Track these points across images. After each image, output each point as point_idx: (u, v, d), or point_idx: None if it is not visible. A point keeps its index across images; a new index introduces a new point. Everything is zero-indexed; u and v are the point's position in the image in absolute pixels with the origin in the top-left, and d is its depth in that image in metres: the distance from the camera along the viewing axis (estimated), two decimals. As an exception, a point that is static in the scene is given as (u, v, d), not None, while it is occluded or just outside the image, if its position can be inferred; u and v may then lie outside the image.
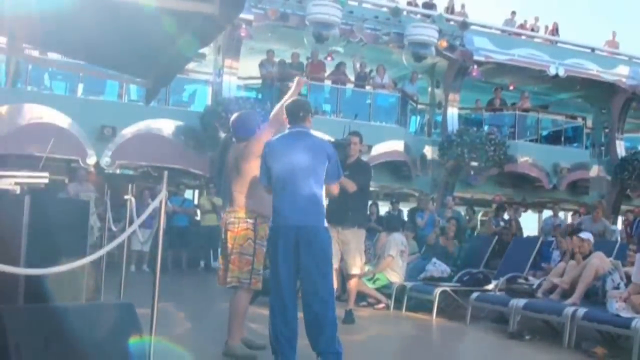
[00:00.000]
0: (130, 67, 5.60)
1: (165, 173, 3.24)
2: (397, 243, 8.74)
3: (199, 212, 13.74)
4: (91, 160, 13.22)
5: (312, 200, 4.25)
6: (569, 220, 15.97)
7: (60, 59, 6.97)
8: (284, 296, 4.21)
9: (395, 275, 8.63)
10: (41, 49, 5.92)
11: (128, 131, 13.53)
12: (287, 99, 4.68)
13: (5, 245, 3.70)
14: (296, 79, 4.95)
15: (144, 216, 3.23)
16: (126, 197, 5.14)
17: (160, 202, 3.18)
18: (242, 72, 14.91)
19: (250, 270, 4.71)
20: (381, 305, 8.41)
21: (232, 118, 5.12)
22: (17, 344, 2.73)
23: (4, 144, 12.09)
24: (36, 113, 12.78)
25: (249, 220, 4.74)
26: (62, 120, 12.99)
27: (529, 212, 19.23)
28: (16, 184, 4.24)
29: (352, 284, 7.18)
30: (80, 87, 14.20)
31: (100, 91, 14.58)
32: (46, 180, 4.31)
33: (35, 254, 3.60)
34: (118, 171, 14.40)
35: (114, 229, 6.10)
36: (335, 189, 4.53)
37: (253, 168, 4.69)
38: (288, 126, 4.48)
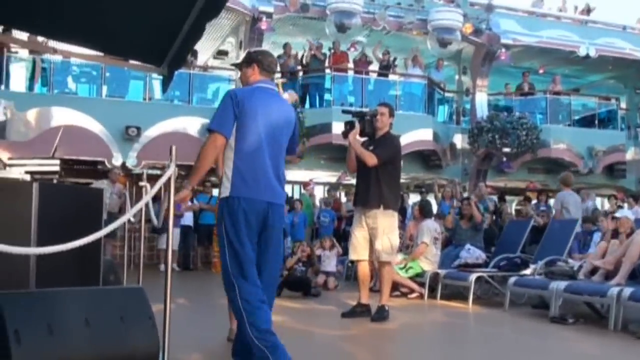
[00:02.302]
0: (143, 53, 5.45)
1: (174, 148, 3.02)
2: (430, 230, 8.46)
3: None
4: (117, 161, 13.18)
5: (283, 174, 3.64)
6: (607, 205, 15.51)
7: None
8: (258, 285, 3.44)
9: (428, 263, 8.35)
10: (52, 38, 5.85)
11: (153, 131, 13.46)
12: None
13: (14, 233, 3.55)
14: None
15: (154, 190, 3.02)
16: (141, 184, 4.99)
17: (169, 179, 2.96)
18: (266, 66, 14.70)
19: None
20: (415, 295, 8.13)
21: None
22: (17, 330, 2.55)
23: (31, 147, 12.05)
24: (61, 116, 12.76)
25: None
26: (87, 122, 12.98)
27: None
28: (26, 172, 4.13)
29: (385, 273, 6.21)
30: (105, 89, 14.19)
31: (124, 92, 14.56)
32: (57, 168, 4.18)
33: (46, 242, 3.43)
34: (145, 171, 14.30)
35: (132, 220, 5.97)
36: (296, 160, 4.05)
37: None
38: (259, 78, 3.71)
